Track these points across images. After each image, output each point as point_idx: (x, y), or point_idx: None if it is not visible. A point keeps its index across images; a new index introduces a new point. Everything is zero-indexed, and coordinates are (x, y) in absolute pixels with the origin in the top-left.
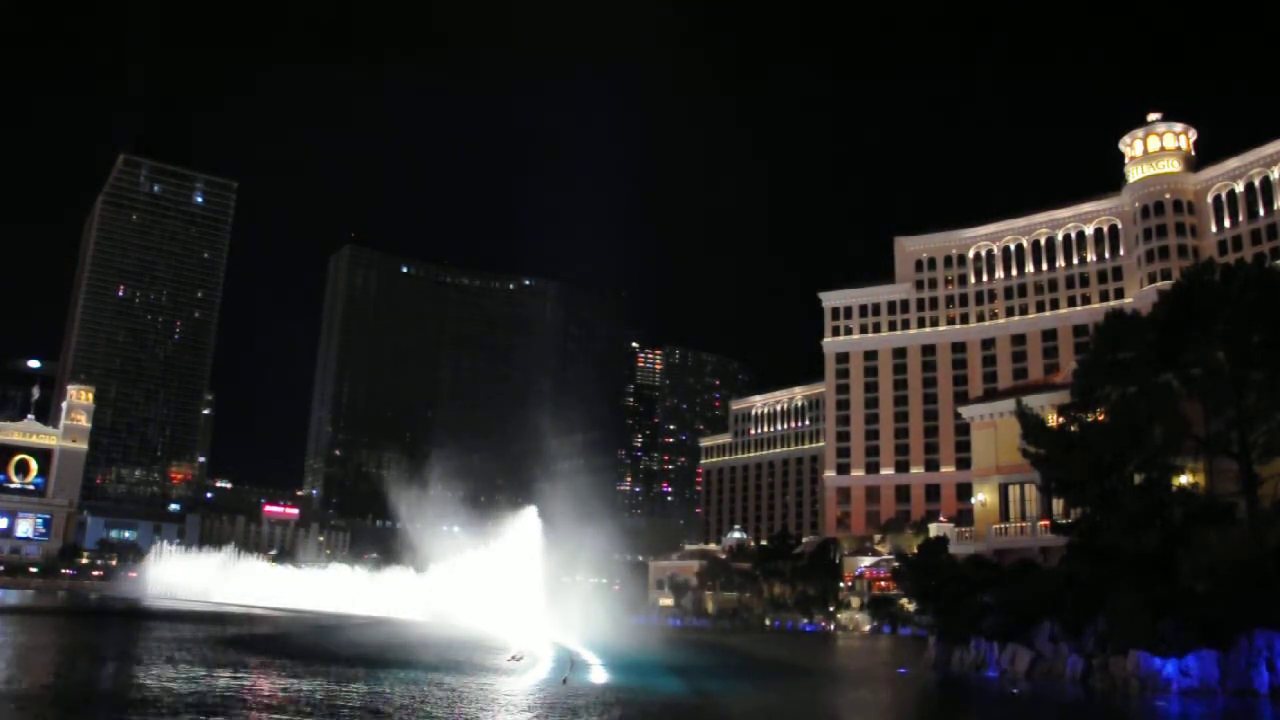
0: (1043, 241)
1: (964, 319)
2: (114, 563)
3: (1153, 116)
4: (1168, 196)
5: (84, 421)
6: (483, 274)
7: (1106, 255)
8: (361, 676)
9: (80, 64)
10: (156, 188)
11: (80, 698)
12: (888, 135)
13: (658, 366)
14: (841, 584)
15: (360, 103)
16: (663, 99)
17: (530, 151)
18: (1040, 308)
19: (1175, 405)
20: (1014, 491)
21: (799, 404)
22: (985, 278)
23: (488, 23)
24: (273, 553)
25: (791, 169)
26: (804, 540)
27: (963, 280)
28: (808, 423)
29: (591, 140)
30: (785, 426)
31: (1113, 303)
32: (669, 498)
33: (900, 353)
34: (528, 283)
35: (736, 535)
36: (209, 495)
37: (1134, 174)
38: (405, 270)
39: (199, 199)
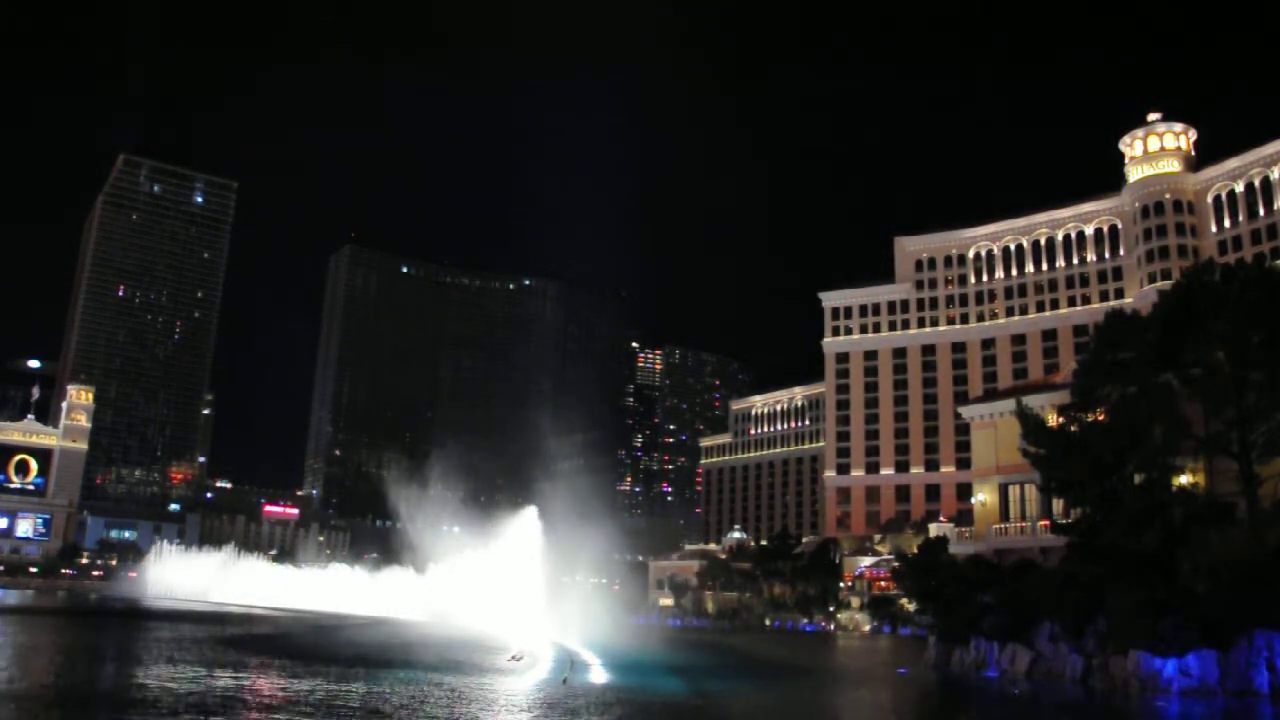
0: (1043, 241)
1: (964, 319)
2: (114, 563)
3: (1153, 116)
4: (1168, 196)
5: (84, 421)
6: (483, 274)
7: (1106, 255)
8: (361, 676)
9: (80, 64)
10: (156, 188)
11: (80, 698)
12: (888, 135)
13: (658, 366)
14: (841, 584)
15: (360, 103)
16: (663, 99)
17: (530, 152)
18: (1040, 308)
19: (1175, 405)
20: (1014, 491)
21: (799, 404)
22: (985, 278)
23: (488, 22)
24: (273, 553)
25: (791, 169)
26: (804, 540)
27: (963, 280)
28: (808, 423)
29: (591, 140)
30: (785, 426)
31: (1113, 303)
32: (669, 498)
33: (900, 353)
34: (528, 283)
35: (736, 535)
36: (209, 495)
37: (1134, 174)
38: (405, 270)
39: (199, 199)
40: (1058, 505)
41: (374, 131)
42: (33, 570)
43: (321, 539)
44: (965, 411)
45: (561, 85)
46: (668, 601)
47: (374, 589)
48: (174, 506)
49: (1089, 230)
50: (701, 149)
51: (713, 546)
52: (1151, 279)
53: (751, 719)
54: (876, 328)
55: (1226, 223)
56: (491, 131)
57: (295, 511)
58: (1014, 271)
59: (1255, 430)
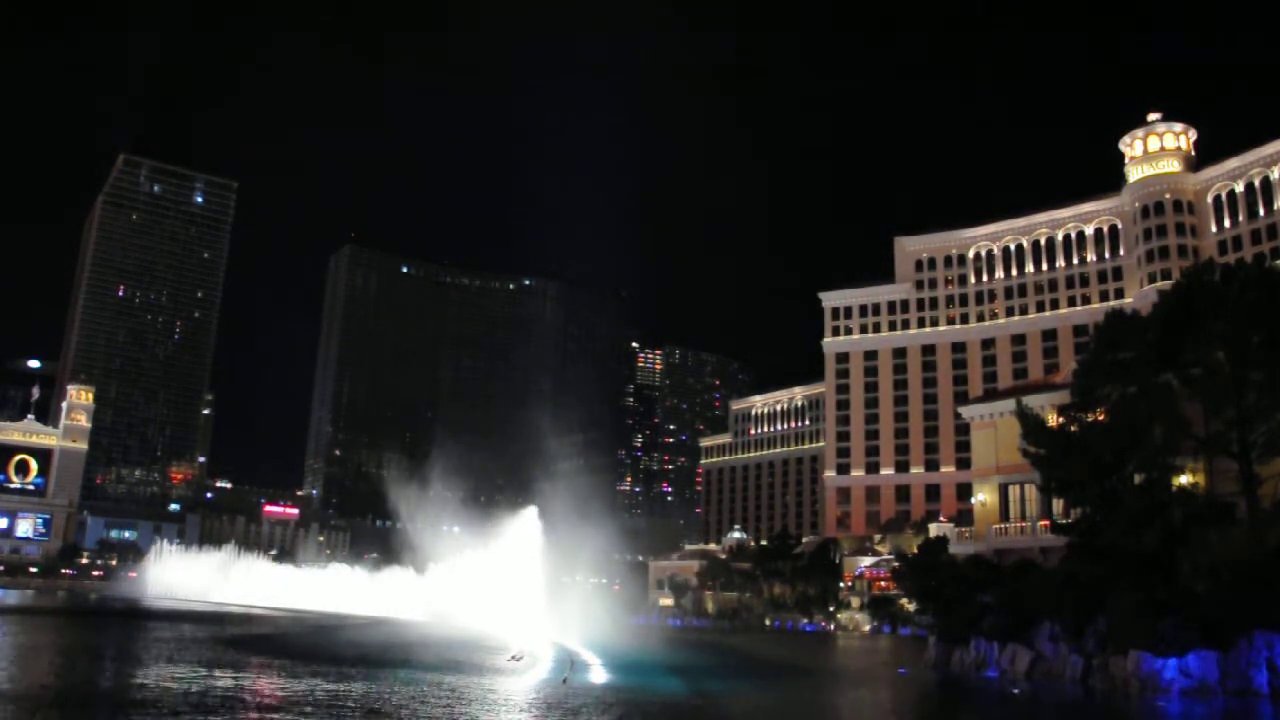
0: (1043, 241)
1: (964, 319)
2: (114, 563)
3: (1153, 116)
4: (1168, 196)
5: (84, 421)
6: (483, 274)
7: (1106, 255)
8: (361, 676)
9: (80, 64)
10: (156, 188)
11: (80, 698)
12: (888, 135)
13: (658, 366)
14: (841, 584)
15: (360, 103)
16: (663, 99)
17: (530, 152)
18: (1040, 308)
19: (1175, 405)
20: (1014, 491)
21: (799, 404)
22: (985, 278)
23: (488, 22)
24: (273, 553)
25: (791, 169)
26: (804, 540)
27: (963, 280)
28: (808, 423)
29: (591, 140)
30: (785, 426)
31: (1113, 303)
32: (669, 498)
33: (900, 353)
34: (528, 283)
35: (736, 535)
36: (209, 495)
37: (1134, 174)
38: (405, 270)
39: (199, 199)
40: (1058, 505)
41: (374, 131)
42: (33, 570)
43: (321, 539)
44: (965, 411)
45: (561, 85)
46: (668, 601)
47: (374, 589)
48: (174, 506)
49: (1089, 230)
50: (701, 149)
51: (713, 546)
52: (1151, 279)
53: (751, 719)
54: (876, 328)
55: (1226, 223)
56: (491, 131)
57: (295, 511)
58: (1014, 271)
59: (1255, 430)
